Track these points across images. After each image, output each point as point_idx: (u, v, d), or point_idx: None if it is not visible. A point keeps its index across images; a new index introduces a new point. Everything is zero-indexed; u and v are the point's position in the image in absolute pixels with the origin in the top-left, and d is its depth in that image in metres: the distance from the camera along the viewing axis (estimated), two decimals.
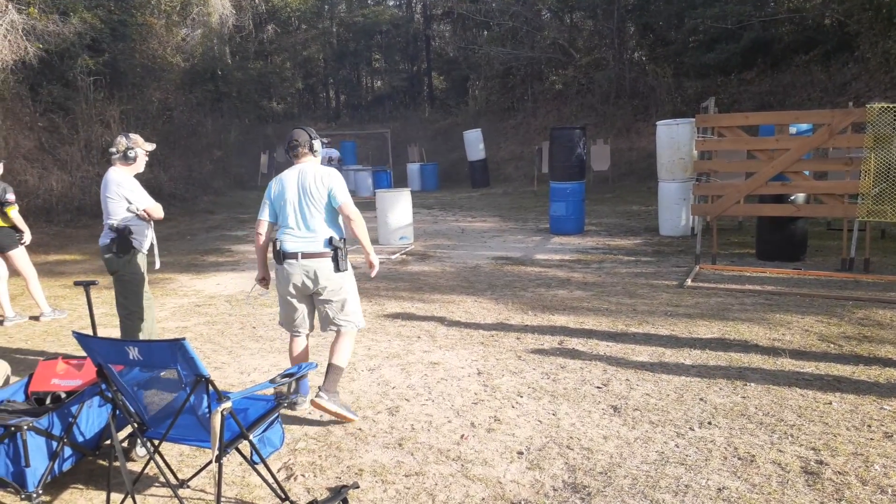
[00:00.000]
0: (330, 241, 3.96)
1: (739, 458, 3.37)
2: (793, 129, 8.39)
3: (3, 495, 3.27)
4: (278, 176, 4.14)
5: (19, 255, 6.62)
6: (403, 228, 10.94)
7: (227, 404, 2.63)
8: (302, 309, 4.13)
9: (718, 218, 8.48)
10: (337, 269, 3.98)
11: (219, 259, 10.19)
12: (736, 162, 8.75)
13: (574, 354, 5.09)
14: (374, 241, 11.09)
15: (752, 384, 4.35)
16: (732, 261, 8.35)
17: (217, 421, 2.59)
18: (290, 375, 2.98)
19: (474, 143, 20.53)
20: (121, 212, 4.65)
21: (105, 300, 7.48)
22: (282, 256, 3.97)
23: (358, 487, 3.23)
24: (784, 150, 7.47)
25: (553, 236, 11.09)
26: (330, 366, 3.99)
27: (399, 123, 28.06)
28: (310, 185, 3.97)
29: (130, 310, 4.79)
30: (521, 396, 4.32)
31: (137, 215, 4.69)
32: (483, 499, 3.11)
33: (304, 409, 4.17)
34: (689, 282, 7.23)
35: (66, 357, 3.70)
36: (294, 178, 4.04)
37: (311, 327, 4.25)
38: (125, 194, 4.61)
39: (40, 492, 2.88)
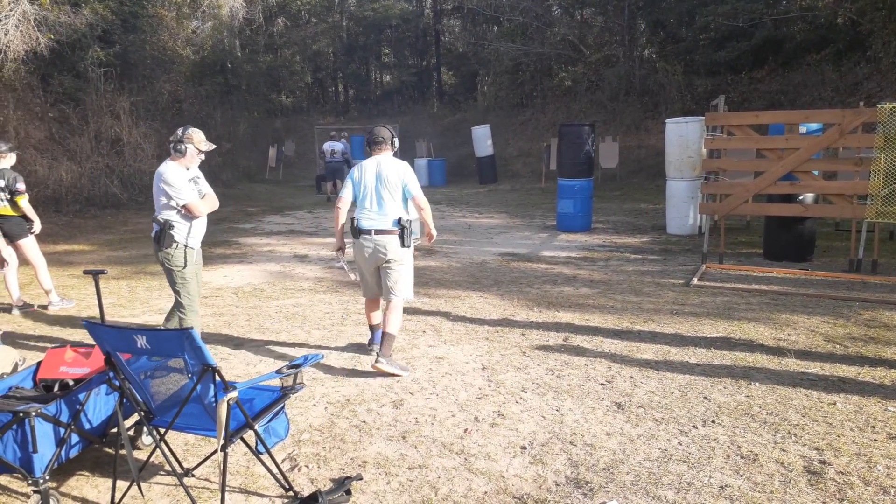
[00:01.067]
0: (398, 221, 4.79)
1: (742, 457, 3.37)
2: (803, 129, 8.36)
3: (10, 481, 3.31)
4: (360, 163, 4.94)
5: (29, 244, 6.67)
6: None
7: (234, 394, 2.65)
8: (373, 276, 4.98)
9: (726, 217, 8.46)
10: (402, 244, 4.80)
11: (226, 251, 10.23)
12: (745, 161, 8.72)
13: (579, 351, 5.10)
14: None
15: (757, 383, 4.35)
16: (739, 260, 8.33)
17: (223, 410, 2.62)
18: (295, 367, 3.00)
19: (482, 139, 20.51)
20: (163, 205, 4.56)
21: (112, 290, 7.54)
22: (358, 232, 4.84)
23: (361, 479, 3.26)
24: (794, 149, 7.43)
25: (560, 233, 11.08)
26: (384, 334, 4.72)
27: (407, 118, 28.05)
28: (387, 175, 4.78)
29: (177, 301, 4.73)
30: (525, 392, 4.33)
31: (178, 211, 4.55)
32: (486, 493, 3.13)
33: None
34: (695, 280, 7.22)
35: (75, 345, 3.73)
36: (373, 168, 4.83)
37: (381, 293, 5.04)
38: (164, 188, 4.50)
39: (47, 478, 2.91)
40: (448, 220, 13.30)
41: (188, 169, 4.60)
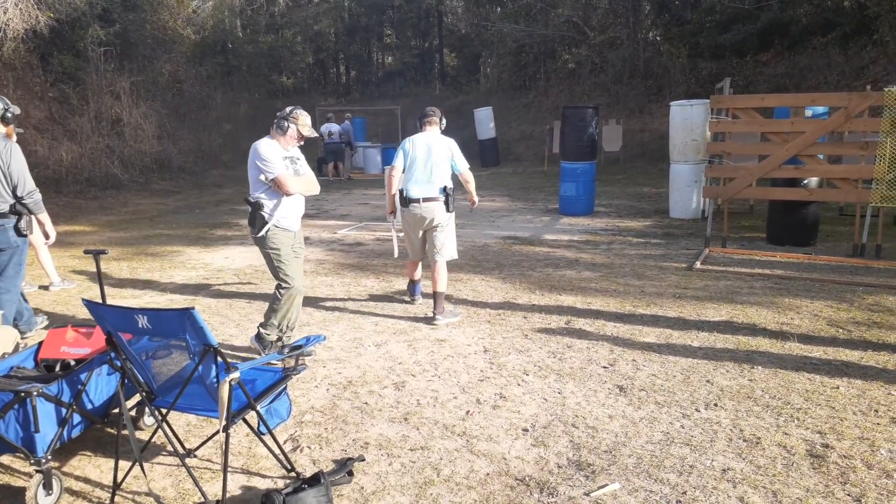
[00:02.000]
0: (444, 190, 5.40)
1: (745, 440, 3.37)
2: (808, 112, 8.29)
3: (12, 461, 3.31)
4: (411, 138, 5.50)
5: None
6: None
7: (236, 374, 2.63)
8: (419, 240, 5.63)
9: (730, 201, 8.42)
10: (447, 210, 5.44)
11: (227, 233, 10.20)
12: (750, 144, 8.66)
13: (581, 334, 5.09)
14: (382, 219, 11.10)
15: (760, 367, 4.34)
16: (743, 244, 8.29)
17: (225, 391, 2.60)
18: (298, 348, 2.99)
19: (485, 122, 20.38)
20: (256, 183, 4.44)
21: (113, 270, 7.53)
22: (407, 201, 5.43)
23: (364, 460, 3.25)
24: (799, 132, 7.37)
25: (562, 217, 11.04)
26: (435, 293, 5.47)
27: (409, 100, 27.88)
28: (436, 148, 5.42)
29: (278, 285, 4.59)
30: (527, 374, 4.32)
31: (269, 186, 4.40)
32: (488, 474, 3.13)
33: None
34: (698, 264, 7.20)
35: (76, 325, 3.72)
36: (424, 141, 5.46)
37: (423, 255, 5.73)
38: (257, 163, 4.36)
39: (49, 457, 2.90)
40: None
41: (287, 150, 4.48)
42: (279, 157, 4.39)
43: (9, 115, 5.05)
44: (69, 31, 15.33)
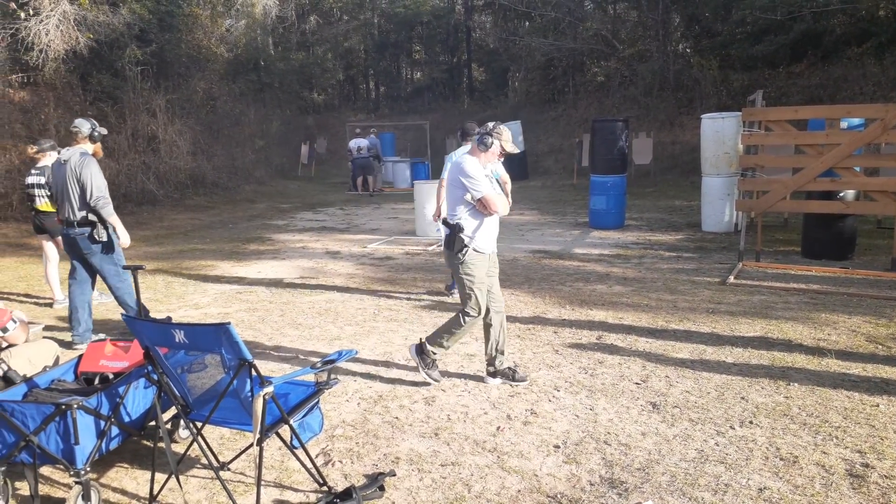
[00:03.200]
0: None
1: (781, 459, 3.30)
2: (844, 124, 8.14)
3: (52, 472, 3.39)
4: (455, 151, 6.09)
5: None
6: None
7: (270, 389, 2.67)
8: None
9: (763, 214, 8.30)
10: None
11: (260, 247, 10.34)
12: (783, 157, 8.54)
13: (612, 350, 5.05)
14: (412, 233, 11.15)
15: (796, 384, 4.25)
16: (777, 258, 8.16)
17: (259, 405, 2.64)
18: (330, 362, 3.02)
19: (513, 136, 20.34)
20: (457, 202, 4.24)
21: (149, 285, 7.67)
22: None
23: (395, 475, 3.26)
24: (834, 145, 7.25)
25: (592, 230, 10.98)
26: None
27: (438, 115, 28.06)
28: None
29: (463, 307, 4.35)
30: (558, 390, 4.30)
31: (472, 206, 4.19)
32: (519, 491, 3.11)
33: (338, 393, 4.23)
34: (731, 279, 7.09)
35: (114, 339, 3.80)
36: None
37: None
38: (462, 180, 4.16)
39: (88, 469, 2.97)
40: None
41: (485, 167, 4.27)
42: (483, 174, 4.20)
43: (96, 134, 5.43)
44: (108, 51, 15.76)
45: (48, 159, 6.70)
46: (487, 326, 4.45)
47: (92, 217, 5.22)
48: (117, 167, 14.58)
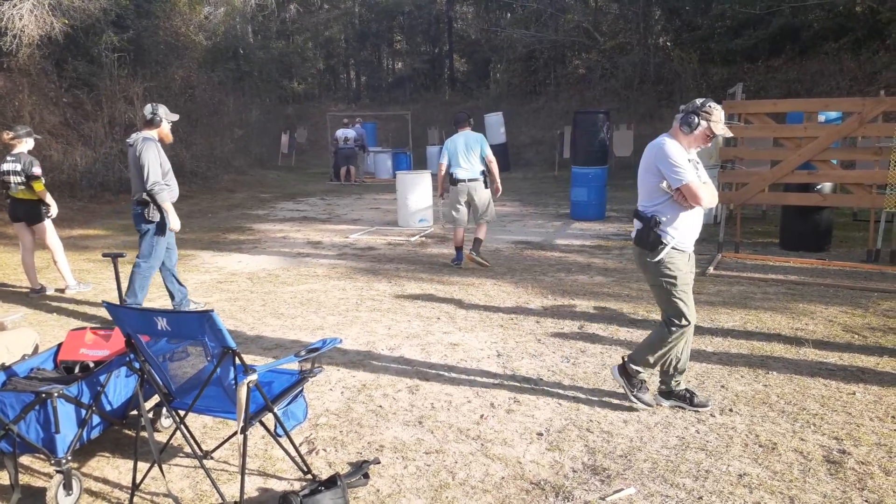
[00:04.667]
0: (482, 172, 7.45)
1: (761, 446, 3.36)
2: (821, 118, 8.25)
3: (32, 461, 3.34)
4: (451, 137, 7.51)
5: (46, 228, 6.71)
6: (423, 211, 10.95)
7: (254, 376, 2.65)
8: (465, 211, 7.60)
9: (742, 206, 8.39)
10: (485, 186, 7.50)
11: (240, 237, 10.26)
12: (762, 150, 8.63)
13: (594, 339, 5.09)
14: (394, 223, 11.13)
15: (775, 373, 4.32)
16: (756, 250, 8.26)
17: (243, 393, 2.62)
18: (314, 351, 3.01)
19: (495, 127, 20.39)
20: (652, 191, 3.66)
21: (128, 274, 7.56)
22: (455, 181, 7.45)
23: (379, 463, 3.27)
24: (812, 138, 7.35)
25: (574, 222, 11.04)
26: (477, 240, 7.62)
27: (419, 106, 27.96)
28: (471, 143, 7.41)
29: (666, 319, 3.73)
30: (541, 379, 4.32)
31: (672, 196, 3.58)
32: (503, 478, 3.13)
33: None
34: (711, 270, 7.18)
35: (95, 328, 3.75)
36: (462, 139, 7.42)
37: (467, 223, 7.71)
38: (660, 167, 3.56)
39: (69, 458, 2.93)
40: (445, 211, 13.24)
41: (689, 151, 3.64)
42: (686, 160, 3.57)
43: (157, 118, 5.56)
44: (83, 37, 15.48)
45: (23, 146, 6.58)
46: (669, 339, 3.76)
47: (146, 198, 5.47)
48: (94, 155, 14.36)
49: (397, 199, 11.12)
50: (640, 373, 3.83)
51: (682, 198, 3.53)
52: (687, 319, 3.68)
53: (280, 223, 11.66)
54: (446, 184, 7.60)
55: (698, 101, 3.60)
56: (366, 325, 5.56)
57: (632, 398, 3.83)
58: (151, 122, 5.59)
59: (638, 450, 3.35)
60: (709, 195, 3.55)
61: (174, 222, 5.61)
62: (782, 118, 9.68)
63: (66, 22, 14.19)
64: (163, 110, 5.61)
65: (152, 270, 5.70)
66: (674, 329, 3.68)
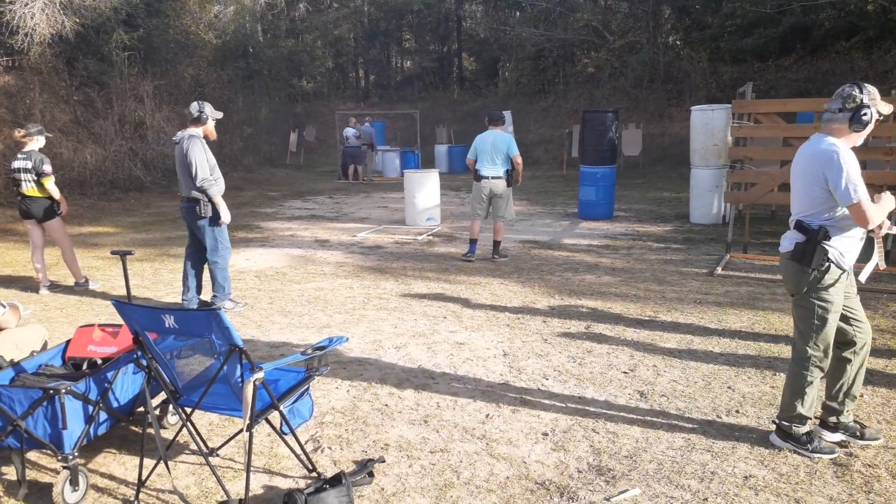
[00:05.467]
0: (506, 171, 7.74)
1: (767, 448, 3.34)
2: None
3: (39, 457, 3.37)
4: (482, 135, 7.80)
5: (55, 226, 6.76)
6: (430, 210, 10.95)
7: (260, 374, 2.66)
8: (485, 206, 7.90)
9: (751, 206, 8.35)
10: (508, 185, 7.81)
11: (248, 235, 10.30)
12: (772, 149, 8.58)
13: (601, 339, 5.08)
14: (401, 222, 11.14)
15: (782, 374, 4.29)
16: (764, 250, 8.22)
17: (249, 390, 2.63)
18: (320, 349, 3.01)
19: (504, 126, 20.37)
20: (819, 202, 3.18)
21: (137, 272, 7.62)
22: (480, 178, 7.78)
23: (384, 462, 3.27)
24: None
25: (581, 221, 11.02)
26: (496, 243, 8.02)
27: (428, 104, 27.98)
28: (500, 143, 7.70)
29: (797, 352, 3.33)
30: (547, 379, 4.32)
31: (832, 214, 3.17)
32: (508, 477, 3.13)
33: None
34: (719, 270, 7.15)
35: (103, 325, 3.77)
36: (491, 138, 7.72)
37: (486, 217, 8.00)
38: (825, 173, 3.10)
39: (76, 454, 2.95)
40: (468, 206, 13.25)
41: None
42: (859, 171, 3.08)
43: (204, 116, 5.75)
44: (94, 35, 15.56)
45: (34, 143, 6.63)
46: (843, 361, 3.35)
47: (196, 194, 5.68)
48: (104, 153, 14.44)
49: (405, 198, 11.13)
50: (798, 427, 3.31)
51: (856, 216, 3.09)
52: (819, 360, 3.25)
53: (288, 221, 11.69)
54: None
55: (855, 91, 3.10)
56: (372, 324, 5.57)
57: (812, 457, 3.25)
58: (198, 120, 5.77)
59: (643, 450, 3.35)
60: (877, 216, 3.08)
61: (225, 215, 5.82)
62: (792, 118, 9.63)
63: (77, 20, 14.28)
64: (208, 108, 5.79)
65: (226, 260, 5.97)
66: (810, 364, 3.26)
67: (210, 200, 5.72)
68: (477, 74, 32.95)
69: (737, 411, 3.78)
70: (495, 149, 7.62)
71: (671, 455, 3.29)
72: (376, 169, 20.30)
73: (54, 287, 6.92)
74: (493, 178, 7.66)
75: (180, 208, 5.97)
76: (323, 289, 6.80)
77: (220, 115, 5.90)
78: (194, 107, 5.77)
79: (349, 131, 18.37)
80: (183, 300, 6.07)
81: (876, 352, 4.67)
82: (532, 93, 25.32)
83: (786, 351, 4.71)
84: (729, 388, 4.11)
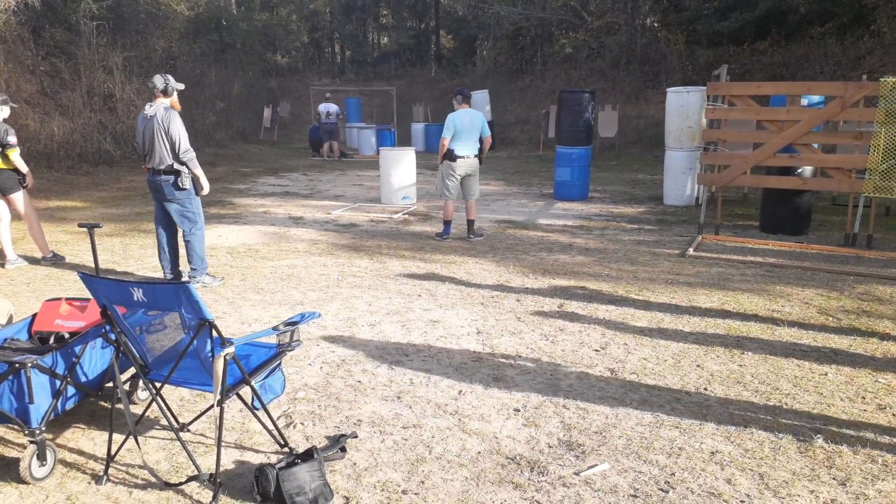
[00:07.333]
0: (479, 150, 7.81)
1: (733, 424, 3.41)
2: (804, 101, 8.29)
3: (6, 431, 3.32)
4: (455, 114, 7.63)
5: (20, 199, 6.60)
6: (406, 188, 10.90)
7: (231, 349, 2.64)
8: (458, 185, 7.84)
9: (724, 188, 8.44)
10: (480, 162, 7.90)
11: (220, 211, 10.17)
12: (745, 132, 8.67)
13: (573, 318, 5.12)
14: (377, 200, 11.08)
15: (750, 353, 4.38)
16: (736, 232, 8.34)
17: (220, 365, 2.61)
18: (293, 324, 2.99)
19: (480, 105, 20.23)
20: None
21: (106, 247, 7.49)
22: (455, 157, 7.67)
23: (356, 437, 3.28)
24: (794, 121, 7.39)
25: (557, 201, 11.05)
26: (470, 221, 8.04)
27: (405, 82, 27.76)
28: (476, 122, 7.65)
29: None
30: (520, 356, 4.35)
31: None
32: (479, 452, 3.15)
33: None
34: (691, 251, 7.23)
35: (70, 299, 3.71)
36: (469, 117, 7.63)
37: (459, 197, 7.94)
38: None
39: (43, 429, 2.91)
40: (438, 186, 13.21)
41: None
42: None
43: (169, 88, 5.73)
44: (61, 4, 15.15)
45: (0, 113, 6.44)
46: None
47: (177, 166, 5.67)
48: (72, 126, 14.11)
49: (380, 176, 11.06)
50: None
51: None
52: None
53: (261, 198, 11.56)
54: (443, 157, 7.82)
55: None
56: (346, 301, 5.55)
57: None
58: (165, 92, 5.73)
59: (613, 426, 3.39)
60: None
61: (206, 185, 5.90)
62: (766, 101, 9.72)
63: None
64: (172, 80, 5.76)
65: (202, 231, 6.00)
66: None
67: (190, 172, 5.72)
68: (455, 52, 32.73)
69: (705, 389, 3.84)
70: (473, 127, 7.64)
71: (640, 431, 3.34)
72: (351, 146, 20.14)
73: (20, 262, 6.77)
74: (467, 156, 7.69)
75: (149, 182, 5.86)
76: (296, 266, 6.75)
77: (181, 86, 5.85)
78: (159, 80, 5.71)
79: (328, 107, 18.12)
80: (165, 273, 6.09)
81: (840, 331, 4.78)
82: (510, 72, 25.25)
83: (754, 330, 4.79)
84: (698, 366, 4.18)
